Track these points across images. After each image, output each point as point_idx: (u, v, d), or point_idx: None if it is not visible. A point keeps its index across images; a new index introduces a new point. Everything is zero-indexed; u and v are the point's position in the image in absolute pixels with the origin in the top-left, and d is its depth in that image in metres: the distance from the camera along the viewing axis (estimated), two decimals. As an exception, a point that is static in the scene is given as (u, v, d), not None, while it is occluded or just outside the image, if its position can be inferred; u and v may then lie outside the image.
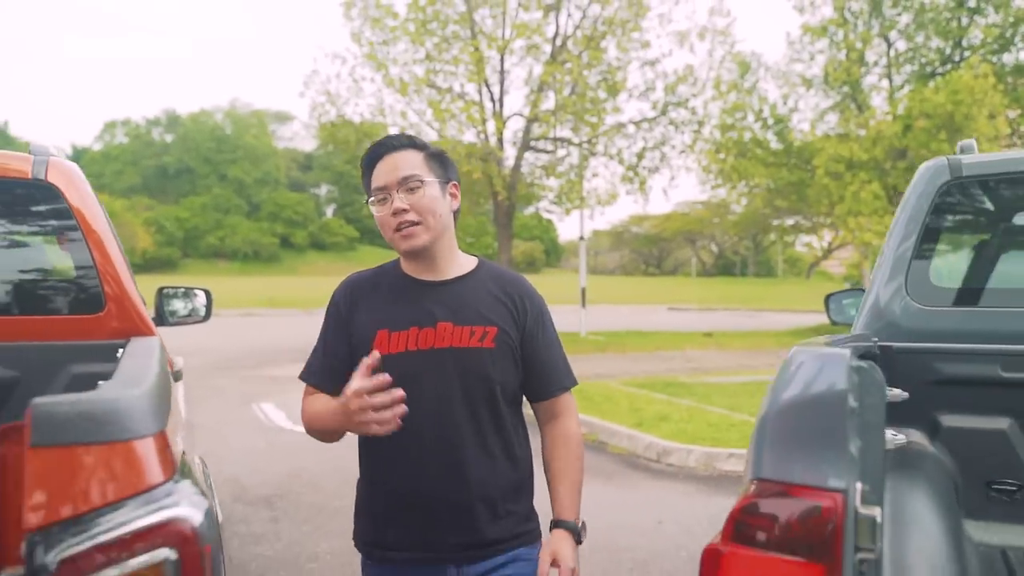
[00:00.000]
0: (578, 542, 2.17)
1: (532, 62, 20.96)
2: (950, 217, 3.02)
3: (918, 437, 2.82)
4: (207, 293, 4.32)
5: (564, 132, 21.61)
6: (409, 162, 2.15)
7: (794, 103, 23.49)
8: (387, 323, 2.14)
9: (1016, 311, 2.83)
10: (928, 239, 2.95)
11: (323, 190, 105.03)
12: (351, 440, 2.17)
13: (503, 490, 2.18)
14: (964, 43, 22.31)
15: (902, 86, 22.84)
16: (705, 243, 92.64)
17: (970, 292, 2.99)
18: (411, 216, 2.12)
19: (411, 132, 19.37)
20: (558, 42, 20.94)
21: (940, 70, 22.29)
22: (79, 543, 1.01)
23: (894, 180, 20.47)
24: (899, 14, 22.50)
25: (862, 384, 1.18)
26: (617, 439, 8.55)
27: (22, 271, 2.87)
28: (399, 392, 1.87)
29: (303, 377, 2.24)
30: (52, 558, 1.00)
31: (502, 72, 20.66)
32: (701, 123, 21.99)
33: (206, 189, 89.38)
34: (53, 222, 2.85)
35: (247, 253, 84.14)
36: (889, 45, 22.63)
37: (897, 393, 2.64)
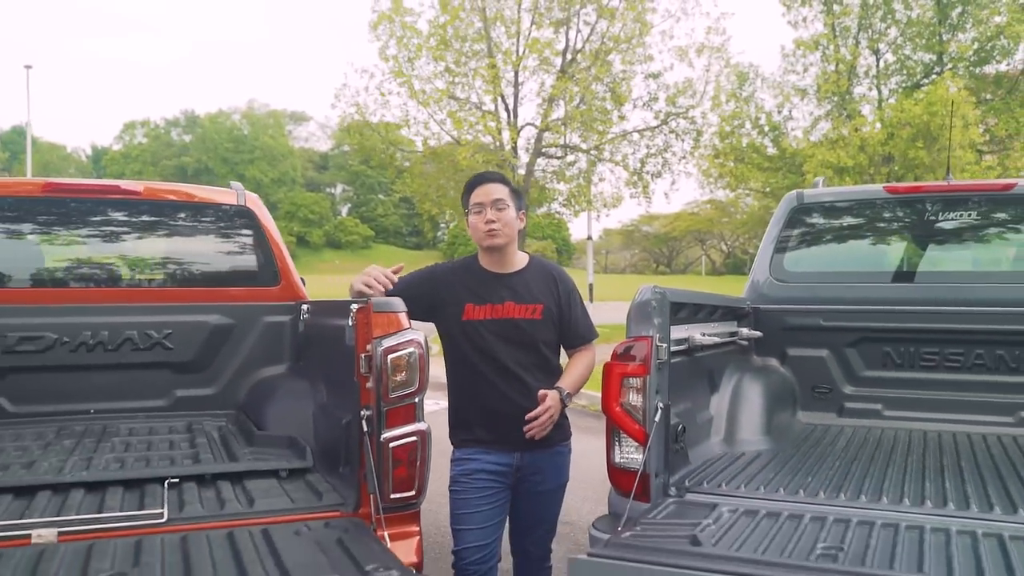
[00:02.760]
0: (563, 402, 3.33)
1: (544, 75, 22.72)
2: (796, 229, 4.86)
3: (773, 362, 4.68)
4: (301, 280, 6.07)
5: (573, 139, 23.35)
6: (500, 191, 3.38)
7: (788, 112, 25.09)
8: (473, 299, 3.39)
9: (832, 285, 4.71)
10: (783, 242, 4.81)
11: (338, 189, 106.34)
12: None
13: None
14: (946, 57, 23.86)
15: (889, 96, 24.43)
16: (714, 242, 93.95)
17: (808, 274, 4.84)
18: (496, 224, 3.33)
19: (432, 140, 21.09)
20: (568, 56, 22.68)
21: (924, 82, 23.89)
22: (387, 344, 2.78)
23: (878, 183, 22.12)
24: (887, 28, 24.08)
25: (661, 299, 2.98)
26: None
27: (234, 262, 4.71)
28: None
29: None
30: (381, 352, 2.80)
31: (516, 85, 22.42)
32: (700, 132, 23.72)
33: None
34: (251, 232, 4.69)
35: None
36: (878, 58, 24.22)
37: (754, 333, 4.50)
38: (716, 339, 3.60)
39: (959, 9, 23.06)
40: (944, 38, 23.69)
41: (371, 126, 22.63)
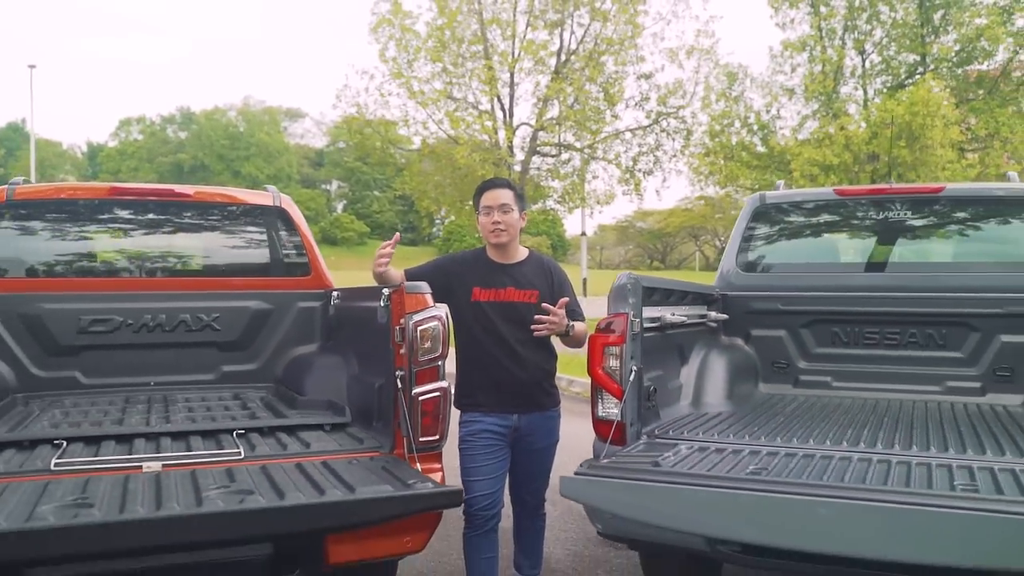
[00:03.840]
0: (566, 332, 3.96)
1: (538, 76, 23.43)
2: (759, 225, 5.58)
3: (739, 341, 5.39)
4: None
5: (567, 138, 24.09)
6: (506, 196, 4.01)
7: (776, 111, 25.71)
8: (480, 284, 4.02)
9: (790, 274, 5.42)
10: (748, 238, 5.52)
11: (334, 186, 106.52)
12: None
13: (543, 374, 4.08)
14: (929, 58, 24.55)
15: (875, 96, 25.10)
16: (708, 238, 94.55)
17: (770, 265, 5.55)
18: (501, 225, 3.98)
19: (431, 139, 21.82)
20: (562, 57, 23.37)
21: (909, 82, 24.58)
22: (416, 318, 3.47)
23: (863, 181, 22.84)
24: (872, 29, 24.75)
25: (635, 283, 3.68)
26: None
27: (271, 255, 5.41)
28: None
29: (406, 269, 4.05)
30: (412, 325, 3.48)
31: (512, 86, 23.13)
32: (690, 131, 24.45)
33: (220, 186, 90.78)
34: (285, 230, 5.39)
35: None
36: (863, 58, 24.89)
37: (721, 316, 5.21)
38: (685, 319, 4.34)
39: (941, 12, 23.76)
40: (927, 40, 24.37)
41: (371, 124, 23.30)
